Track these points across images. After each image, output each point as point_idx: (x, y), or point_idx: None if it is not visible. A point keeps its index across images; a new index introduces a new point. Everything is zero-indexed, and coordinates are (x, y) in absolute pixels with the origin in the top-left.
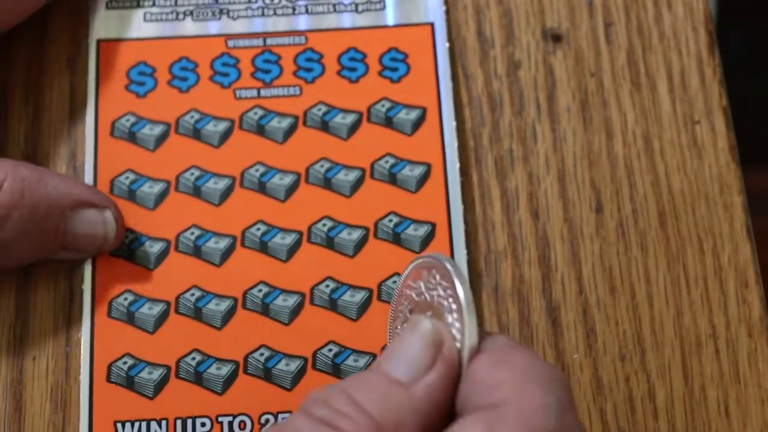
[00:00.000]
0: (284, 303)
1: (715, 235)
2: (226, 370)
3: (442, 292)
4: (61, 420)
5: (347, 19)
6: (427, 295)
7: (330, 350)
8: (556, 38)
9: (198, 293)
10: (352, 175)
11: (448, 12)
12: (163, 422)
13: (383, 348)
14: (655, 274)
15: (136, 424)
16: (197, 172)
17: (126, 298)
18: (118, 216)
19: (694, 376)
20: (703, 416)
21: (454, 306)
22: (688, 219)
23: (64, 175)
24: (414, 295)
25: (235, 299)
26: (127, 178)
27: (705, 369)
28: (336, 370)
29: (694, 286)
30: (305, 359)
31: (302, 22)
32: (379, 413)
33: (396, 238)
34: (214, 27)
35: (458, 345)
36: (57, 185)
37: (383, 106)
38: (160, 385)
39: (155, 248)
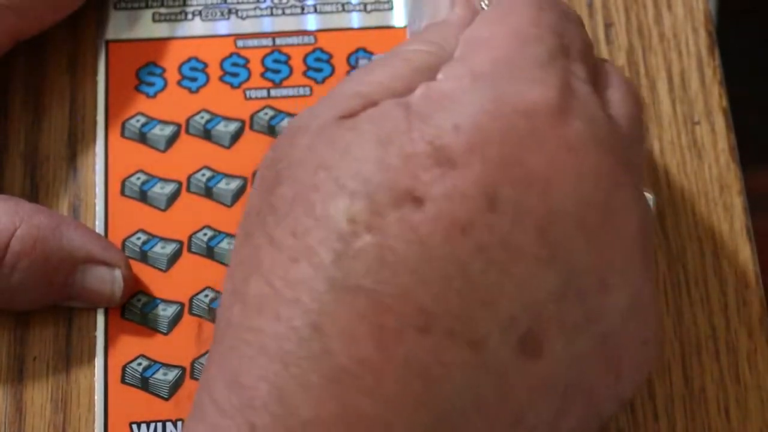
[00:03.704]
0: None
1: (715, 236)
2: None
3: None
4: (61, 420)
5: (356, 19)
6: None
7: None
8: None
9: (212, 294)
10: None
11: None
12: (179, 423)
13: None
14: (655, 274)
15: (152, 425)
16: (209, 173)
17: (139, 299)
18: (128, 275)
19: (694, 376)
20: (703, 417)
21: None
22: (688, 219)
23: (82, 225)
24: None
25: None
26: (138, 178)
27: (705, 369)
28: None
29: (694, 286)
30: None
31: (311, 22)
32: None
33: None
34: (223, 27)
35: None
36: (72, 238)
37: None
38: (176, 386)
39: (168, 249)
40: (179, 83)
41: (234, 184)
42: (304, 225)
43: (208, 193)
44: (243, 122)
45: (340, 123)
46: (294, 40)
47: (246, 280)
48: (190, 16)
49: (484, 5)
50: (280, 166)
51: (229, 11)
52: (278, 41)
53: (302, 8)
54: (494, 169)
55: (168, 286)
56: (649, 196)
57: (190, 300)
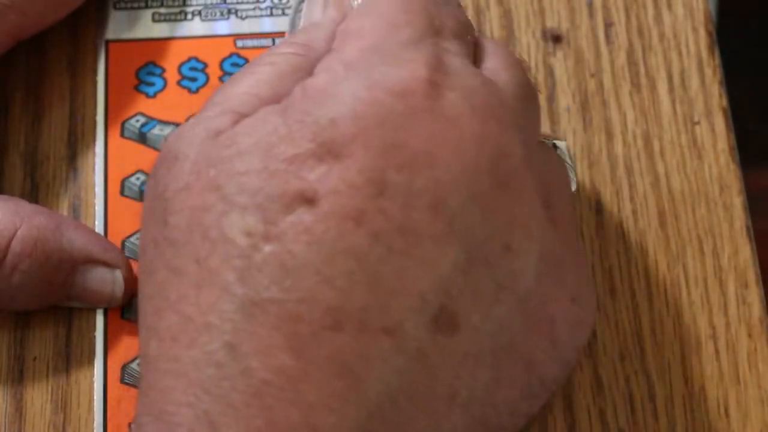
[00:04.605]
0: None
1: (715, 236)
2: None
3: None
4: (61, 420)
5: None
6: None
7: None
8: (556, 39)
9: None
10: None
11: None
12: None
13: None
14: (655, 274)
15: None
16: None
17: None
18: (128, 276)
19: (694, 376)
20: (703, 417)
21: None
22: (687, 219)
23: (82, 225)
24: None
25: None
26: (137, 179)
27: (705, 369)
28: None
29: (693, 286)
30: None
31: None
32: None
33: None
34: (222, 27)
35: None
36: (73, 238)
37: None
38: None
39: None
40: (179, 83)
41: None
42: (204, 249)
43: None
44: None
45: (216, 141)
46: None
47: (157, 315)
48: (189, 16)
49: (355, 4)
50: (166, 197)
51: (229, 11)
52: (278, 41)
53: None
54: (377, 155)
55: None
56: (560, 143)
57: None
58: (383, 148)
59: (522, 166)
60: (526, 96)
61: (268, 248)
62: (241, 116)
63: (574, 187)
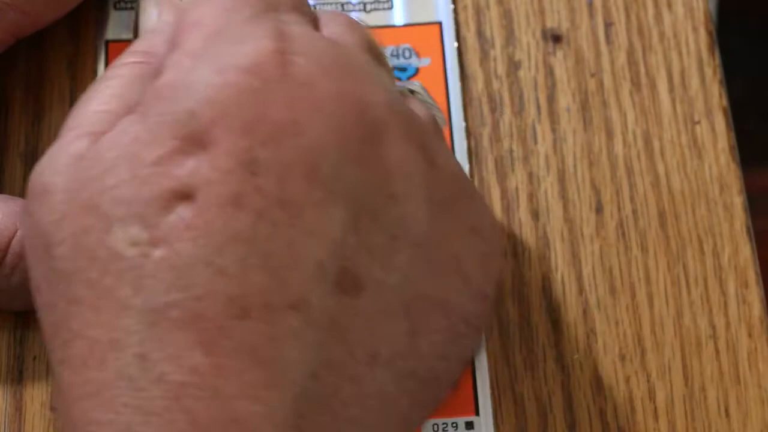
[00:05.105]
0: None
1: (715, 236)
2: None
3: None
4: None
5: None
6: None
7: None
8: (556, 38)
9: None
10: None
11: (455, 11)
12: None
13: None
14: (655, 274)
15: None
16: None
17: None
18: None
19: (694, 376)
20: (703, 417)
21: None
22: (688, 219)
23: None
24: None
25: None
26: None
27: (705, 369)
28: None
29: (694, 286)
30: None
31: None
32: None
33: None
34: None
35: None
36: None
37: None
38: None
39: None
40: None
41: None
42: (95, 271)
43: None
44: None
45: (81, 164)
46: None
47: (65, 346)
48: None
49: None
50: (45, 231)
51: None
52: None
53: None
54: (241, 135)
55: None
56: (414, 86)
57: None
58: (246, 126)
59: (386, 114)
60: (374, 51)
61: (156, 253)
62: (98, 135)
63: (443, 124)
